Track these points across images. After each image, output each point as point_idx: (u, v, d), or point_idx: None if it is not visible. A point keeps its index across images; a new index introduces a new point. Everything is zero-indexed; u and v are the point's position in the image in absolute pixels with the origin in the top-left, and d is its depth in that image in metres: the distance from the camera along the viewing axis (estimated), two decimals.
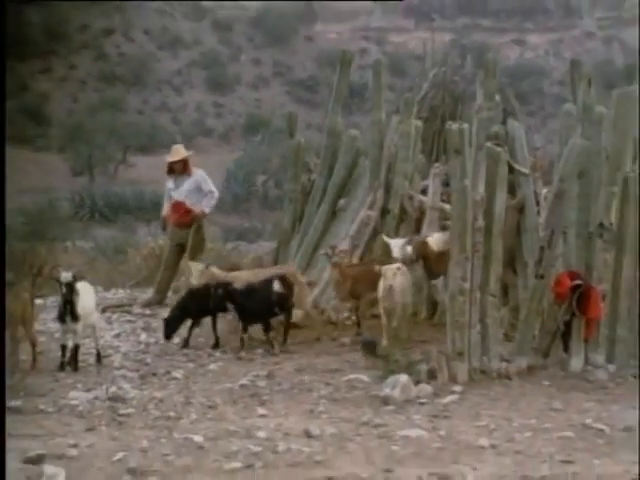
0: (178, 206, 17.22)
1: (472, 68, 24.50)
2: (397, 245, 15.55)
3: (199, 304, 15.21)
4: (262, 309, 15.08)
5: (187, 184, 17.21)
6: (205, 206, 17.31)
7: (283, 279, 15.23)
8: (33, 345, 14.09)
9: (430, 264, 15.65)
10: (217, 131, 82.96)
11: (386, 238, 16.07)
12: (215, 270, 15.46)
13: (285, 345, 15.20)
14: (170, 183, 17.47)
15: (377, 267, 15.39)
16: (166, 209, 17.62)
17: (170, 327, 15.20)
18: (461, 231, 13.24)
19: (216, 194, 17.56)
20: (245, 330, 15.34)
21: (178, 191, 17.25)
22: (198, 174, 17.37)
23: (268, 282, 15.16)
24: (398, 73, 56.95)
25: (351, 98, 20.73)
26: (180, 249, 17.38)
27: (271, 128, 66.32)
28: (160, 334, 15.46)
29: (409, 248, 15.36)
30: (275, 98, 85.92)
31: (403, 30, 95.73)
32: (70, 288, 14.23)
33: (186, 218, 17.16)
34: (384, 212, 17.57)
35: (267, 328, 15.18)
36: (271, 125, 68.45)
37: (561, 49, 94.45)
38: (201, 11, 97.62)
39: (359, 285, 15.72)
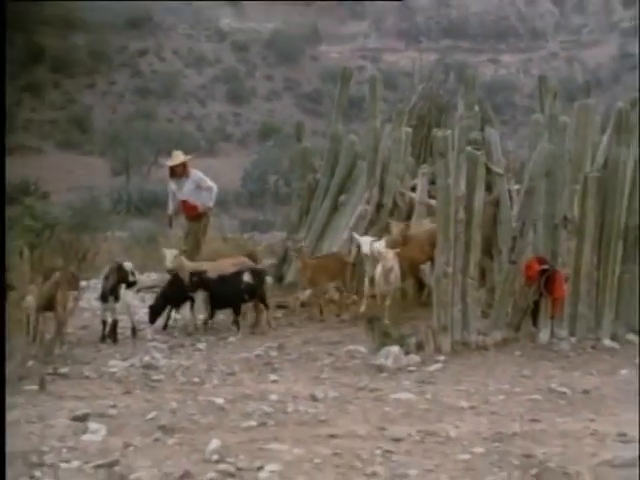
0: (184, 204, 17.14)
1: (454, 83, 24.44)
2: (366, 242, 15.46)
3: (176, 292, 15.04)
4: (232, 296, 14.88)
5: (188, 184, 17.10)
6: (208, 201, 17.20)
7: (254, 271, 15.05)
8: (61, 323, 14.04)
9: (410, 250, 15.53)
10: (235, 137, 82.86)
11: (356, 235, 15.96)
12: (184, 259, 15.26)
13: (270, 326, 15.06)
14: (173, 185, 17.35)
15: (345, 257, 15.53)
16: (171, 208, 17.50)
17: (153, 313, 15.06)
18: (445, 223, 13.24)
19: (215, 188, 17.41)
20: (211, 316, 15.27)
21: (181, 192, 17.14)
22: (195, 174, 17.25)
23: (239, 273, 14.93)
24: (391, 87, 56.85)
25: (350, 109, 20.70)
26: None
27: (282, 134, 66.25)
28: (185, 311, 15.38)
29: (376, 245, 15.27)
30: (285, 109, 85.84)
31: (395, 50, 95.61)
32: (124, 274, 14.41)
33: (194, 212, 17.08)
34: (379, 206, 17.56)
35: (237, 312, 14.95)
36: (282, 132, 68.36)
37: (530, 67, 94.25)
38: (222, 34, 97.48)
39: (318, 274, 15.67)
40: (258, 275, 15.05)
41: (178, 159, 17.22)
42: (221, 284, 14.77)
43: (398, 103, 19.99)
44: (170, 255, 15.06)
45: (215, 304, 15.11)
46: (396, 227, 16.08)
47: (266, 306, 15.20)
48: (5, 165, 11.29)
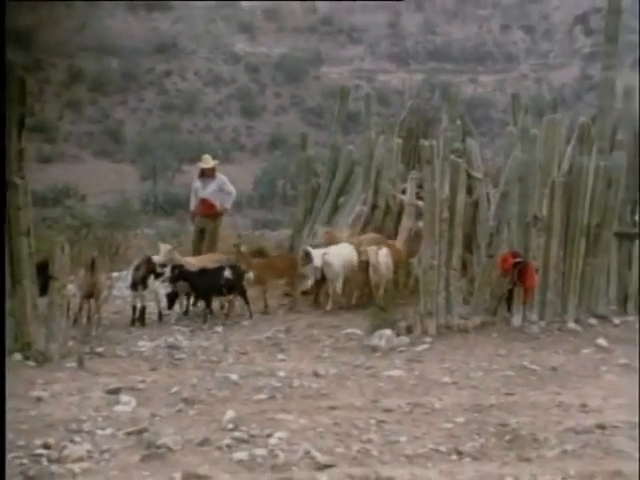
0: (205, 202, 17.08)
1: (439, 100, 24.43)
2: (317, 255, 15.34)
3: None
4: (211, 289, 14.62)
5: (213, 185, 17.06)
6: (227, 203, 17.17)
7: (234, 267, 14.79)
8: (98, 308, 14.03)
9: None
10: (248, 147, 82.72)
11: (309, 248, 15.74)
12: (176, 254, 15.14)
13: (251, 317, 14.85)
14: (198, 184, 17.31)
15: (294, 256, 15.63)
16: (193, 204, 17.46)
17: (170, 300, 14.99)
18: (431, 222, 13.22)
19: (234, 194, 17.40)
20: (194, 304, 15.27)
21: (205, 191, 17.10)
22: (220, 178, 17.23)
23: (221, 269, 14.68)
24: (383, 103, 56.86)
25: (348, 122, 20.68)
26: (202, 234, 17.25)
27: (288, 144, 66.23)
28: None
29: (326, 257, 15.16)
30: (291, 122, 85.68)
31: (387, 71, 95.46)
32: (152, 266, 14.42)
33: (210, 211, 17.03)
34: (373, 207, 17.58)
35: (208, 304, 14.67)
36: (288, 142, 68.29)
37: (504, 86, 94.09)
38: (236, 57, 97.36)
39: (262, 273, 15.43)
40: (237, 272, 14.77)
41: (210, 162, 17.22)
42: (201, 277, 14.58)
43: (390, 117, 20.04)
44: (163, 249, 14.98)
45: (196, 295, 15.05)
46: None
47: (246, 300, 14.96)
48: (5, 165, 11.25)
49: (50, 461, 7.26)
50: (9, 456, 7.35)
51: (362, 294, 15.68)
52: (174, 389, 9.78)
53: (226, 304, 15.00)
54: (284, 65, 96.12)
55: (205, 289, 14.61)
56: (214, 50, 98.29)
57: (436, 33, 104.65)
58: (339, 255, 15.25)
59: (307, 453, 7.42)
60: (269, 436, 7.89)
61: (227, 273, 14.62)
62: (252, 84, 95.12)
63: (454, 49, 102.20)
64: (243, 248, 15.72)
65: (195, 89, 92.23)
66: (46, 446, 7.61)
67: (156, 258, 14.77)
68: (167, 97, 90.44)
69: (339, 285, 15.26)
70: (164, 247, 15.05)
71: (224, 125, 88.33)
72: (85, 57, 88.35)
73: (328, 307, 15.13)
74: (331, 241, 15.78)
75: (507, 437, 7.98)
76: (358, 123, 22.87)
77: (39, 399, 9.37)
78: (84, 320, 13.86)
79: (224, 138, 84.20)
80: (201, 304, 14.96)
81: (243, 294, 14.95)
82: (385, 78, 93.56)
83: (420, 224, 14.94)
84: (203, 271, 14.64)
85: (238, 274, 14.77)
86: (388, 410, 8.90)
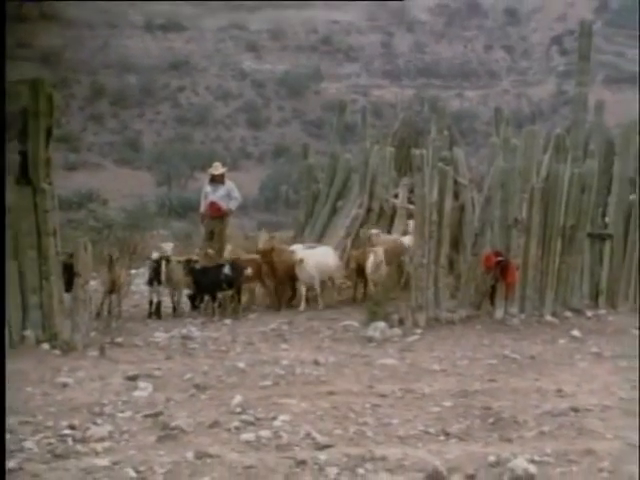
0: (213, 205, 17.01)
1: (428, 112, 24.40)
2: (299, 248, 15.33)
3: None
4: (212, 285, 14.45)
5: (222, 190, 16.96)
6: (232, 206, 17.09)
7: (233, 265, 14.51)
8: (118, 302, 14.04)
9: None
10: (254, 155, 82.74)
11: (296, 246, 15.65)
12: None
13: (241, 312, 14.48)
14: (208, 188, 17.21)
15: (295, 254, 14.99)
16: (203, 207, 17.39)
17: (191, 300, 15.05)
18: (421, 223, 13.23)
19: (240, 199, 17.32)
20: (201, 300, 14.98)
21: (215, 195, 17.02)
22: (229, 184, 17.15)
23: (221, 266, 14.51)
24: (378, 116, 56.88)
25: (346, 133, 20.75)
26: (211, 235, 17.20)
27: (291, 153, 66.33)
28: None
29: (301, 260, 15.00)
30: (294, 133, 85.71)
31: (381, 87, 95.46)
32: (158, 264, 14.33)
33: (218, 213, 16.95)
34: (369, 210, 17.60)
35: (213, 299, 14.49)
36: (291, 151, 68.38)
37: (487, 101, 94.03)
38: (244, 74, 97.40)
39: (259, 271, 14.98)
40: (237, 269, 14.51)
41: (220, 169, 17.17)
42: (204, 274, 14.52)
43: (384, 128, 20.07)
44: (168, 247, 14.96)
45: (199, 290, 14.86)
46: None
47: (239, 296, 14.68)
48: (5, 165, 11.26)
49: (75, 441, 7.28)
50: (38, 437, 7.38)
51: (355, 290, 15.63)
52: (187, 376, 9.78)
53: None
54: (287, 81, 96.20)
55: (207, 285, 14.47)
56: (223, 67, 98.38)
57: (425, 52, 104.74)
58: (313, 258, 15.00)
59: (308, 434, 7.42)
60: (273, 419, 7.89)
61: (226, 270, 14.42)
62: (257, 98, 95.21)
63: (442, 67, 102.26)
64: (209, 252, 15.55)
65: (206, 103, 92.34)
66: (71, 427, 7.63)
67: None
68: (181, 110, 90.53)
69: (317, 284, 15.02)
70: (167, 245, 15.03)
71: (232, 135, 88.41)
72: (106, 74, 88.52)
73: (320, 306, 14.90)
74: (378, 243, 15.41)
75: (490, 420, 7.98)
76: (354, 133, 22.86)
77: (65, 385, 9.38)
78: (105, 313, 13.87)
79: (233, 147, 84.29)
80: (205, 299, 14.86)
81: (238, 290, 14.64)
82: (379, 93, 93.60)
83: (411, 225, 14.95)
84: (205, 268, 14.54)
85: (237, 271, 14.51)
86: (382, 395, 8.90)
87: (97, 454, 6.96)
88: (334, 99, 62.17)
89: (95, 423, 7.82)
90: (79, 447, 7.11)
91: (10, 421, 7.56)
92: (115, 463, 6.71)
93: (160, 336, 12.49)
